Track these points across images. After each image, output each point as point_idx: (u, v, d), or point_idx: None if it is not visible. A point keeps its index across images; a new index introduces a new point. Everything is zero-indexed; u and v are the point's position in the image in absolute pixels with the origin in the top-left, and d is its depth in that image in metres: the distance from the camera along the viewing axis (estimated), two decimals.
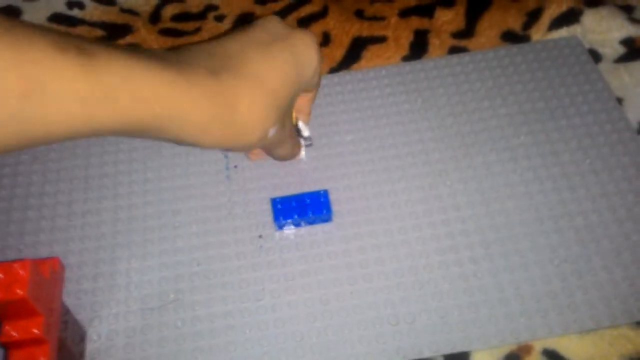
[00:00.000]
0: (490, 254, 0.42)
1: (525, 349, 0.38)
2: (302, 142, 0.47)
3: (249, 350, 0.39)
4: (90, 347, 0.39)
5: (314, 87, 0.42)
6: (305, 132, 0.46)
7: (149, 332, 0.40)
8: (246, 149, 0.38)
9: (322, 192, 0.44)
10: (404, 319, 0.40)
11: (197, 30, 0.58)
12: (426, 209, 0.44)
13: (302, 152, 0.47)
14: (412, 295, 0.40)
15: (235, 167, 0.47)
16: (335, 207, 0.45)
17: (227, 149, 0.38)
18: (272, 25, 0.39)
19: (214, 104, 0.34)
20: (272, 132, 0.38)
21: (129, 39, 0.57)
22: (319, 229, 0.44)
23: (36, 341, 0.32)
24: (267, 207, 0.45)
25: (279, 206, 0.43)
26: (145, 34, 0.57)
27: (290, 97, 0.38)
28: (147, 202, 0.46)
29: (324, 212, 0.43)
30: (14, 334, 0.32)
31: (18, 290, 0.30)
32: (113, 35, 0.57)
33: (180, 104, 0.33)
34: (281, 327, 0.40)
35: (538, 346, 0.38)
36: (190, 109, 0.33)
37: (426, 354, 0.38)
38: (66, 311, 0.37)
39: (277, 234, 0.44)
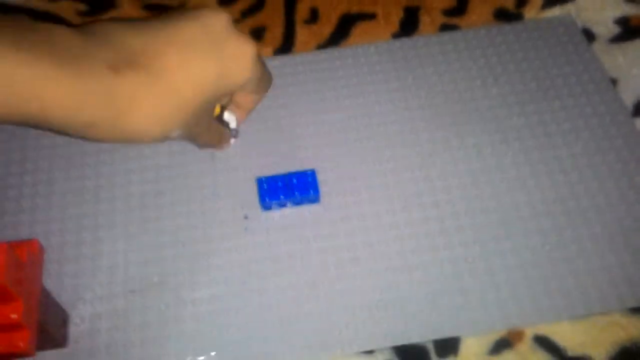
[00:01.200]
0: (481, 238, 0.41)
1: (517, 335, 0.38)
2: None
3: (234, 335, 0.38)
4: (73, 330, 0.38)
5: (254, 92, 0.40)
6: (232, 124, 0.44)
7: (132, 316, 0.39)
8: (146, 144, 0.36)
9: (309, 172, 0.43)
10: (392, 303, 0.39)
11: (182, 5, 0.56)
12: (416, 190, 0.44)
13: (232, 141, 0.46)
14: (401, 280, 0.40)
15: None
16: (323, 187, 0.44)
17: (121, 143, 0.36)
18: (215, 25, 0.35)
19: (104, 104, 0.31)
20: (175, 133, 0.35)
21: (112, 13, 0.55)
22: (306, 210, 0.43)
23: (15, 326, 0.31)
24: (253, 187, 0.44)
25: (265, 186, 0.42)
26: (128, 9, 0.55)
27: (205, 103, 0.36)
28: (130, 181, 0.44)
29: (312, 192, 0.42)
30: None
31: None
32: (95, 10, 0.55)
33: (64, 101, 0.30)
34: (267, 311, 0.39)
35: (529, 332, 0.38)
36: (76, 107, 0.30)
37: (415, 340, 0.38)
38: (47, 294, 0.36)
39: (263, 214, 0.43)
